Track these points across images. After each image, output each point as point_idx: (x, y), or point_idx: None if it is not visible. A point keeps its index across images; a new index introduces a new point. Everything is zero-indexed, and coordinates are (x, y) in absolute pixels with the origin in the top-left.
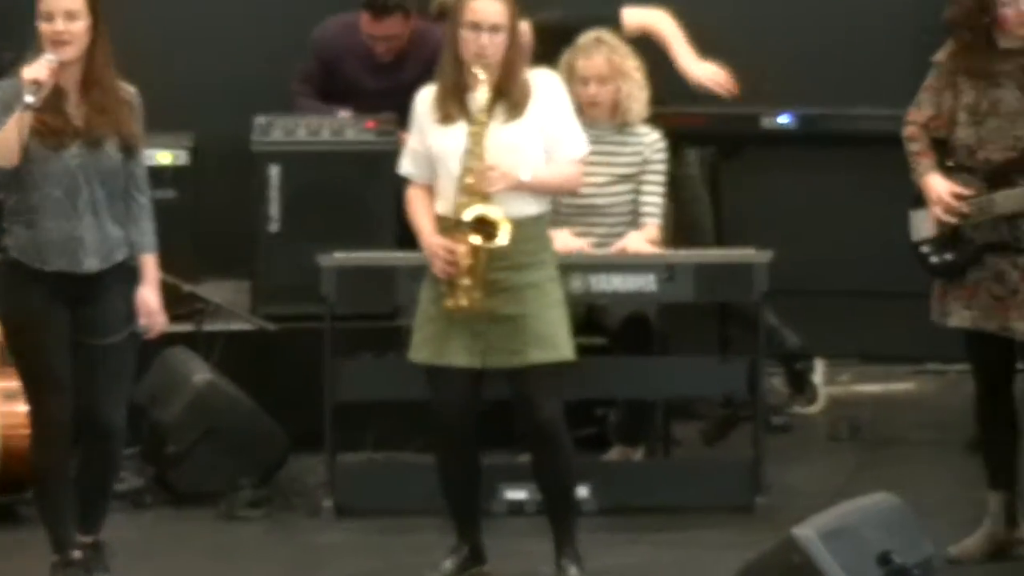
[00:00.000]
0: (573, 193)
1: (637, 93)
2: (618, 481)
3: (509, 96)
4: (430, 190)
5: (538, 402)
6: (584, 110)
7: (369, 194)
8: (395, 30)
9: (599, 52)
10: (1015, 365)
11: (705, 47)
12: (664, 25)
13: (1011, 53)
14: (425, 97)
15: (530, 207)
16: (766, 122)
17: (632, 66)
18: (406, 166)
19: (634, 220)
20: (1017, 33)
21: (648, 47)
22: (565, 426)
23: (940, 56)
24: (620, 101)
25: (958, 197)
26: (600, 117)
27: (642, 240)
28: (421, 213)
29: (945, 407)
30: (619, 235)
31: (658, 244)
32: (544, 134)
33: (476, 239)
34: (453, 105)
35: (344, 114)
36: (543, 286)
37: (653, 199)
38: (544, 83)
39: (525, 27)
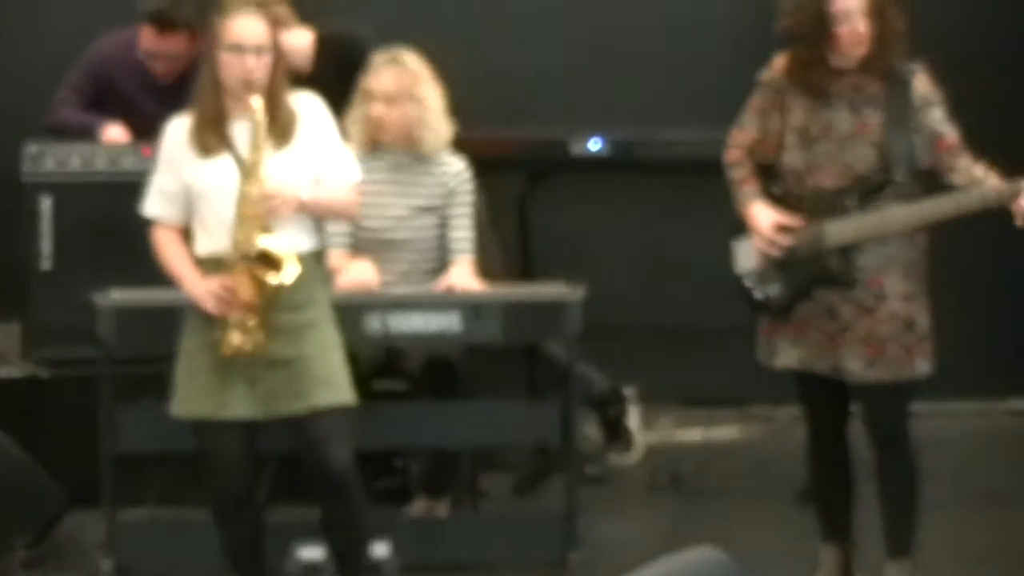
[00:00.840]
0: (352, 220)
1: (431, 121)
2: (422, 536)
3: (275, 122)
4: (181, 232)
5: (327, 450)
6: (373, 132)
7: (149, 228)
8: (178, 48)
9: (389, 71)
10: (848, 408)
11: (512, 68)
12: None
13: (844, 73)
14: (178, 129)
15: (306, 241)
16: (576, 147)
17: (426, 91)
18: (154, 207)
19: (441, 255)
20: (851, 53)
21: (452, 68)
22: (357, 475)
23: (766, 75)
24: (411, 128)
25: (785, 227)
26: (390, 142)
27: (467, 275)
28: (179, 257)
29: (773, 454)
30: (423, 271)
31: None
32: (314, 161)
33: (268, 274)
34: (213, 136)
35: (114, 127)
36: (321, 326)
37: (463, 233)
38: (308, 107)
39: (307, 38)
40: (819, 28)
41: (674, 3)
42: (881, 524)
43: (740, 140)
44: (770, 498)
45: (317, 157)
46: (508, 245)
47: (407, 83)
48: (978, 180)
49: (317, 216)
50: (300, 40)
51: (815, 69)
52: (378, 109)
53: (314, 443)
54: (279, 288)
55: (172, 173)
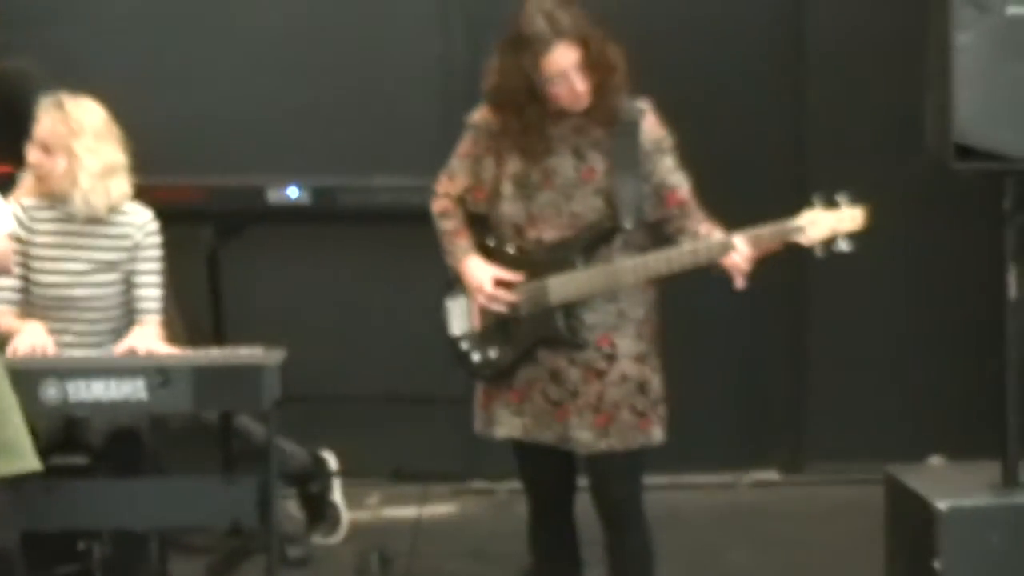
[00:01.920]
0: (4, 274)
1: (82, 181)
2: None
3: None
4: None
5: None
6: (39, 181)
7: None
8: None
9: (49, 117)
10: (575, 481)
11: (199, 109)
12: None
13: (565, 116)
14: None
15: None
16: (273, 195)
17: (83, 147)
18: None
19: (124, 314)
20: (572, 109)
21: (133, 109)
22: (23, 560)
23: (478, 116)
24: (62, 182)
25: (503, 284)
26: (55, 191)
27: (151, 337)
28: None
29: (493, 532)
30: (105, 332)
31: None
32: None
33: None
34: None
35: None
36: None
37: (150, 292)
38: None
39: None
40: (529, 94)
41: (380, 42)
42: None
43: (449, 189)
44: None
45: None
46: (198, 304)
47: (64, 134)
48: (701, 238)
49: None
50: None
51: (527, 132)
52: (35, 156)
53: None
54: None
55: None
